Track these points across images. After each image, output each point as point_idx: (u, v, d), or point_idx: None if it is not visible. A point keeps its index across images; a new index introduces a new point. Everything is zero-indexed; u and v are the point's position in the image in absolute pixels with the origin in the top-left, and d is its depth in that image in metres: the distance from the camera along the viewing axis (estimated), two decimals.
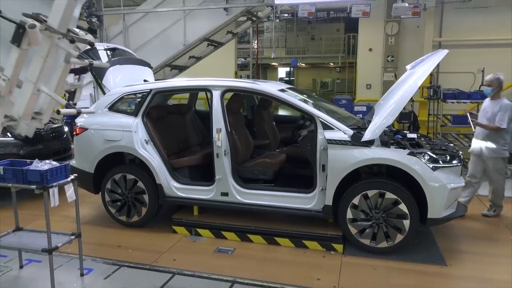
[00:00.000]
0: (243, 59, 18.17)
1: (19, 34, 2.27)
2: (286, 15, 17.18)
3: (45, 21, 2.35)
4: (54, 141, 6.04)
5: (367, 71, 13.57)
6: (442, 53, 4.15)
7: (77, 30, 2.71)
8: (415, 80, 4.03)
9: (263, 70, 20.83)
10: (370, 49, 13.37)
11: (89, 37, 2.72)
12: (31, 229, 3.86)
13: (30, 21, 2.27)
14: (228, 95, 4.80)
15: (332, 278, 3.67)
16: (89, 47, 2.78)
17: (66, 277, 3.68)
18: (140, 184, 4.70)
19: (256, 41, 17.13)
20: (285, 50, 18.41)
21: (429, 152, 4.02)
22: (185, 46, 9.38)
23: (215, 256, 4.18)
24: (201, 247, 4.36)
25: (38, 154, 5.48)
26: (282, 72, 23.72)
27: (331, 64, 19.25)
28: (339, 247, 4.21)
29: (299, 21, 18.45)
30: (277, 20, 15.66)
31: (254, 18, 10.00)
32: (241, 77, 14.87)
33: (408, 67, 4.74)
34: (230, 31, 10.14)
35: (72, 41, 2.51)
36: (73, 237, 3.62)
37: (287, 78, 23.29)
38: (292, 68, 17.19)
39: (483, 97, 8.92)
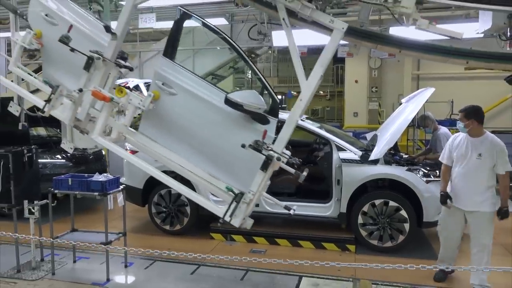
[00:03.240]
0: (238, 88, 19.23)
1: (267, 164, 2.92)
2: (278, 45, 18.39)
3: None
4: (95, 163, 6.86)
5: (354, 100, 14.69)
6: (429, 91, 5.23)
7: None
8: (407, 115, 5.07)
9: None
10: (356, 81, 14.55)
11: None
12: (84, 230, 4.71)
13: (274, 154, 2.88)
14: None
15: (350, 270, 4.59)
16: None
17: (114, 267, 4.49)
18: (183, 197, 5.54)
19: (250, 71, 18.22)
20: (277, 79, 19.53)
21: (422, 169, 5.06)
22: None
23: (252, 255, 5.00)
24: (238, 249, 5.24)
25: (82, 173, 6.27)
26: None
27: (321, 92, 20.33)
28: (352, 247, 5.14)
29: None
30: (270, 52, 16.88)
31: (253, 55, 11.25)
32: None
33: (403, 100, 5.83)
34: (232, 66, 11.39)
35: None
36: (120, 235, 4.48)
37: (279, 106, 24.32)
38: (284, 96, 18.25)
39: (452, 124, 10.23)
